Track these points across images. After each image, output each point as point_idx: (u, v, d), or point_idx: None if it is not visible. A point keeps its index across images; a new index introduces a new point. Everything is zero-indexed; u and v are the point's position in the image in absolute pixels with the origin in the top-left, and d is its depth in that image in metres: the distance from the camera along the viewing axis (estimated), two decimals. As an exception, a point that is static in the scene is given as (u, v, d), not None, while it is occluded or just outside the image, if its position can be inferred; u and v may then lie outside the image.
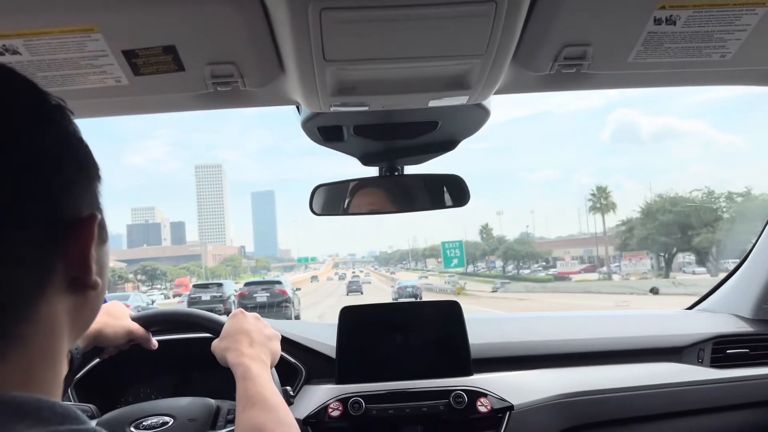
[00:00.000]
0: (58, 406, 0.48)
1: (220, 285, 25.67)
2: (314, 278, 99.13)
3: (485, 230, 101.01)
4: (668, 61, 1.15)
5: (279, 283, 23.37)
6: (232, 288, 26.06)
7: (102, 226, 0.58)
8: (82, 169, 0.57)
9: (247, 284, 24.71)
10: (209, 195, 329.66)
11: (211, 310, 1.35)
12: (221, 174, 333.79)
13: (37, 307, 0.51)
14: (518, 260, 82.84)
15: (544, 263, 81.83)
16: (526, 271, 78.25)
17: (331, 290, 56.90)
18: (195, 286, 27.62)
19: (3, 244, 0.48)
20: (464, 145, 1.54)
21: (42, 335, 0.52)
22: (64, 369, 0.56)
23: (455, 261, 52.06)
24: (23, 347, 0.50)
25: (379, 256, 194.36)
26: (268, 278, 30.00)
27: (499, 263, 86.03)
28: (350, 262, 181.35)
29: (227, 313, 1.36)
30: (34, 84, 0.55)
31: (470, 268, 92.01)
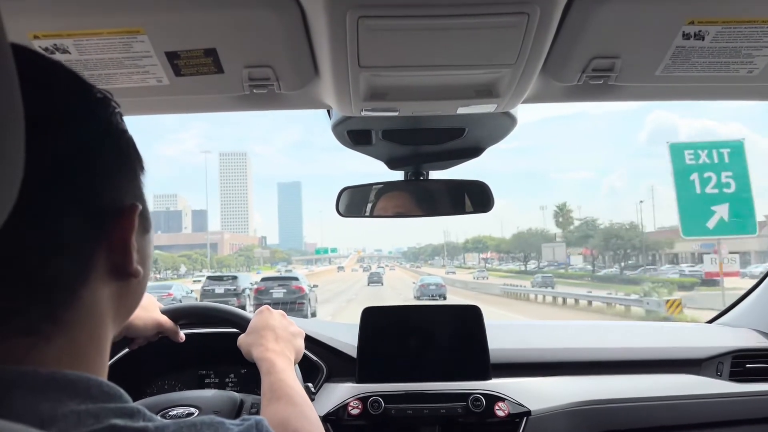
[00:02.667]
0: (105, 385, 0.51)
1: (234, 278, 25.24)
2: (340, 268, 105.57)
3: (562, 212, 72.81)
4: (695, 75, 1.16)
5: (296, 279, 22.98)
6: (247, 281, 25.60)
7: (144, 216, 0.60)
8: (125, 159, 0.59)
9: (264, 279, 24.39)
10: (233, 184, 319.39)
11: (224, 303, 1.38)
12: (246, 162, 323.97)
13: (81, 293, 0.53)
14: (622, 253, 57.16)
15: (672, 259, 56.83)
16: (629, 269, 54.23)
17: (356, 279, 63.22)
18: (209, 277, 26.81)
19: (47, 232, 0.50)
20: (495, 144, 1.56)
21: (87, 320, 0.54)
22: (108, 353, 0.59)
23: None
24: (69, 331, 0.52)
25: (407, 251, 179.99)
26: (285, 274, 29.68)
27: (575, 259, 64.11)
28: (376, 257, 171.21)
29: (241, 308, 1.38)
30: (80, 77, 0.56)
31: (526, 265, 76.33)
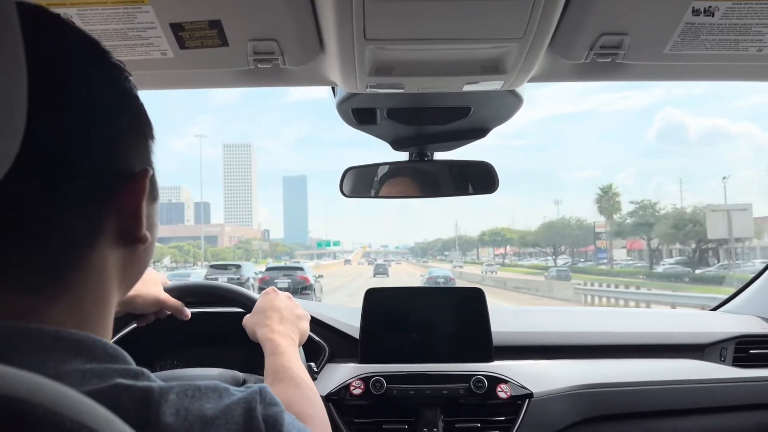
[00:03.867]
0: (110, 346, 0.52)
1: (238, 267, 25.23)
2: (347, 261, 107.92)
3: (606, 195, 55.75)
4: (704, 53, 1.15)
5: (301, 269, 23.11)
6: (251, 271, 25.57)
7: (153, 183, 0.60)
8: (136, 125, 0.59)
9: (268, 269, 24.55)
10: (237, 176, 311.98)
11: None
12: (251, 153, 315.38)
13: (88, 254, 0.53)
14: (697, 246, 45.63)
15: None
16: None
17: (362, 271, 63.78)
18: (212, 266, 26.97)
19: (59, 192, 0.50)
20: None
21: (93, 282, 0.54)
22: (113, 318, 0.59)
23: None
24: (76, 291, 0.53)
25: (414, 247, 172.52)
26: (290, 264, 29.71)
27: (618, 254, 55.07)
28: (382, 252, 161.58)
29: None
30: (96, 40, 0.56)
31: (556, 259, 69.80)
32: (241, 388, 0.56)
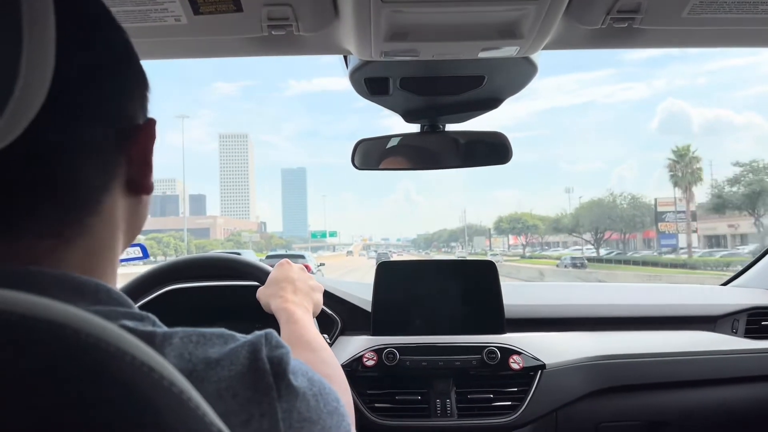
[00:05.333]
0: (114, 291, 0.53)
1: (237, 255, 25.11)
2: (349, 252, 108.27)
3: (682, 161, 44.80)
4: (723, 17, 1.13)
5: (302, 257, 22.94)
6: (253, 259, 25.44)
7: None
8: (140, 81, 0.61)
9: (268, 257, 24.33)
10: (234, 167, 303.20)
11: None
12: (247, 144, 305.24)
13: (103, 198, 0.55)
14: None
15: None
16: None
17: (363, 262, 65.76)
18: None
19: (75, 136, 0.51)
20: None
21: (104, 228, 0.56)
22: (117, 268, 0.60)
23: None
24: (88, 236, 0.54)
25: (417, 239, 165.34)
26: (290, 252, 29.40)
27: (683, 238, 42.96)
28: (383, 245, 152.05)
29: None
30: (101, 2, 0.58)
31: (599, 247, 56.25)
32: (248, 335, 0.56)
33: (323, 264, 28.22)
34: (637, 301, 1.94)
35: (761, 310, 1.85)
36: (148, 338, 0.48)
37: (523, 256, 69.60)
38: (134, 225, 0.63)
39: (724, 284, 2.29)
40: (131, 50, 0.60)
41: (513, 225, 76.94)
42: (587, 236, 58.13)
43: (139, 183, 0.59)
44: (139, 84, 0.61)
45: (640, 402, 1.70)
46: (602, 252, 54.86)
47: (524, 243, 78.69)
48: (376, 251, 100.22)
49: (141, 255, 2.73)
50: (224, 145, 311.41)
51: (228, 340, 0.53)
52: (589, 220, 55.38)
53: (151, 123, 0.60)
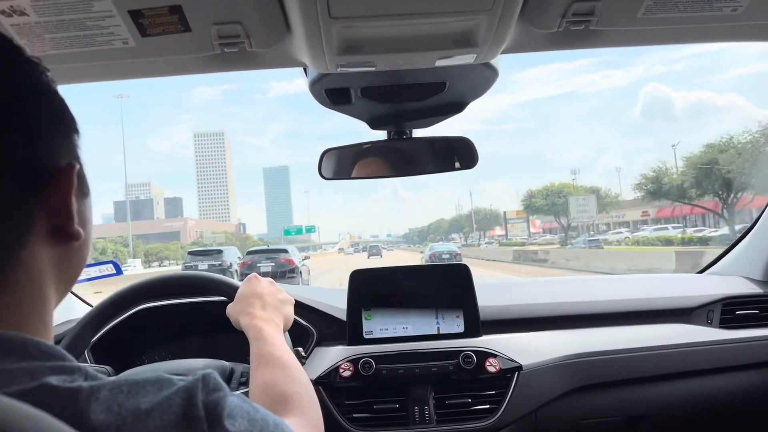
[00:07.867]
0: (43, 344, 0.51)
1: (219, 252, 24.11)
2: (341, 250, 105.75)
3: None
4: (678, 16, 1.13)
5: (285, 251, 21.51)
6: (234, 256, 24.52)
7: (81, 178, 0.60)
8: (59, 119, 0.58)
9: (249, 253, 22.90)
10: (210, 167, 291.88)
11: None
12: (224, 143, 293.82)
13: (20, 254, 0.53)
14: None
15: None
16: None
17: (351, 258, 62.43)
18: (191, 253, 25.57)
19: None
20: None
21: (28, 283, 0.54)
22: (52, 321, 0.58)
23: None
24: (11, 293, 0.52)
25: (409, 233, 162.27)
26: (273, 246, 28.34)
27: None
28: (372, 242, 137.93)
29: None
30: (6, 37, 0.56)
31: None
32: (187, 377, 0.55)
33: (308, 257, 27.43)
34: (614, 295, 1.94)
35: (735, 299, 1.86)
36: (72, 396, 0.47)
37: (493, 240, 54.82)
38: (68, 272, 0.60)
39: (701, 272, 2.30)
40: (45, 90, 0.57)
41: (552, 200, 53.73)
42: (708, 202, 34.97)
43: (63, 231, 0.57)
44: (59, 125, 0.58)
45: (618, 397, 1.70)
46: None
47: (565, 225, 53.28)
48: (354, 249, 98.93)
49: (114, 272, 2.69)
50: (199, 144, 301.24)
51: (163, 387, 0.52)
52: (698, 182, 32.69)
53: (70, 168, 0.57)
